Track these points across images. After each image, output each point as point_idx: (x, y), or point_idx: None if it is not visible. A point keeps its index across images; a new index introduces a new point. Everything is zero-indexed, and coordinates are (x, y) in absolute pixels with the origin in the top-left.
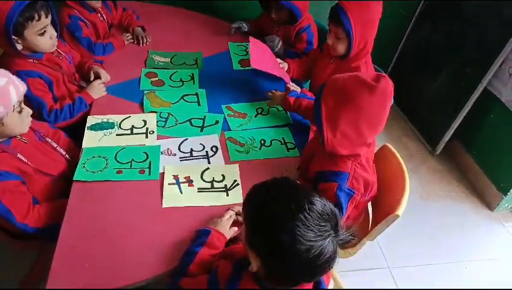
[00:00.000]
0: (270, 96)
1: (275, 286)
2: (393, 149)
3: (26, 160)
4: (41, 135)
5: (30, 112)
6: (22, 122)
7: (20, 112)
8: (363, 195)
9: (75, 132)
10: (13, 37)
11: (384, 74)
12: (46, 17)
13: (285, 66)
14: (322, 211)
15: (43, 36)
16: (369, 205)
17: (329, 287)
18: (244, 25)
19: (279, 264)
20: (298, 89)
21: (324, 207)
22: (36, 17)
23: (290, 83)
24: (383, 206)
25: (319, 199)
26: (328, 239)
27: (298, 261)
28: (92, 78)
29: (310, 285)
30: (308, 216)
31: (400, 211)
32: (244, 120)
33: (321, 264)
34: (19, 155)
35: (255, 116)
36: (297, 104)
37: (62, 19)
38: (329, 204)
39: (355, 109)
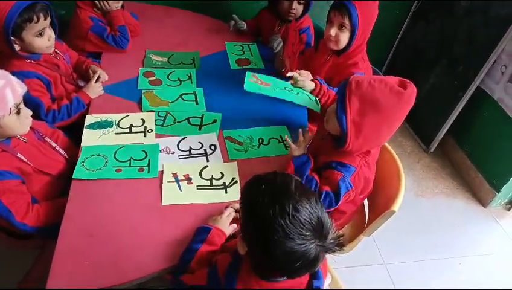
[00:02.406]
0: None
1: (262, 274)
2: (388, 146)
3: (25, 159)
4: (41, 134)
5: (29, 113)
6: (20, 123)
7: (18, 113)
8: (359, 193)
9: (74, 131)
10: (11, 38)
11: (409, 81)
12: (45, 19)
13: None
14: (306, 220)
15: (41, 38)
16: (365, 201)
17: (326, 282)
18: (241, 22)
19: (259, 257)
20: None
21: (311, 216)
22: (35, 19)
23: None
24: (379, 203)
25: (308, 207)
26: (311, 246)
27: (275, 260)
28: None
29: (305, 277)
30: (289, 223)
31: (396, 207)
32: (267, 88)
33: (299, 267)
34: (18, 155)
35: (281, 89)
36: (324, 92)
37: (84, 22)
38: (319, 212)
39: (381, 115)
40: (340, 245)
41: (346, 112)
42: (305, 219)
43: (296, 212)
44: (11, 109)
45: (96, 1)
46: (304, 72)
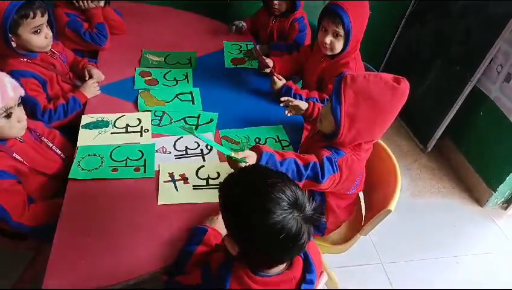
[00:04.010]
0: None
1: (259, 268)
2: (385, 146)
3: (21, 159)
4: (37, 134)
5: (24, 117)
6: (10, 127)
7: (8, 116)
8: (346, 185)
9: (71, 131)
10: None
11: (403, 77)
12: (42, 16)
13: (271, 63)
14: (279, 192)
15: (38, 35)
16: (362, 201)
17: (322, 281)
18: (243, 23)
19: (248, 246)
20: (283, 81)
21: (284, 188)
22: (31, 14)
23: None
24: (376, 202)
25: (280, 181)
26: (290, 217)
27: (262, 239)
28: (87, 78)
29: (300, 268)
30: (264, 199)
31: (392, 206)
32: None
33: (286, 242)
34: (14, 154)
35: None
36: (318, 109)
37: (60, 18)
38: (291, 186)
39: (375, 107)
40: (321, 213)
41: (341, 103)
42: (278, 192)
43: (268, 188)
44: None
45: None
46: (286, 98)
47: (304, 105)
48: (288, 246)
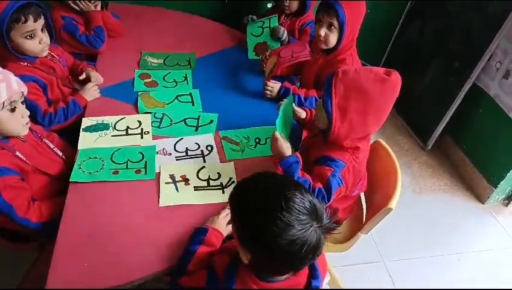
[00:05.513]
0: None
1: (268, 275)
2: (385, 144)
3: (24, 158)
4: (39, 135)
5: (26, 112)
6: (13, 121)
7: (12, 110)
8: (350, 189)
9: (72, 135)
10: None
11: (394, 70)
12: (35, 21)
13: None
14: (300, 205)
15: (32, 40)
16: (363, 200)
17: (325, 280)
18: (254, 18)
19: (266, 257)
20: (278, 84)
21: (303, 201)
22: (22, 19)
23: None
24: (376, 201)
25: (297, 193)
26: (310, 230)
27: (282, 253)
28: (83, 77)
29: (305, 274)
30: (285, 213)
31: (393, 204)
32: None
33: (306, 254)
34: (17, 153)
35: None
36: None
37: (56, 21)
38: (309, 197)
39: (366, 99)
40: (336, 222)
41: (331, 96)
42: (299, 205)
43: (288, 201)
44: (3, 103)
45: (72, 0)
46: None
47: (302, 114)
48: (308, 257)
